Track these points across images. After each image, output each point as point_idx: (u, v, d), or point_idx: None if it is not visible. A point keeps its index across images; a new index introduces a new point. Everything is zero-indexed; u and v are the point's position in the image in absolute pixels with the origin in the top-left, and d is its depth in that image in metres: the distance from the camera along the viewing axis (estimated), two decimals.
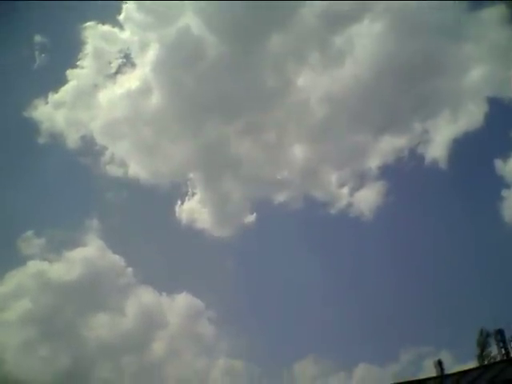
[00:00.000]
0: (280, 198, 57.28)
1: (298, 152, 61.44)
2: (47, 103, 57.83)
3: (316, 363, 46.30)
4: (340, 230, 58.39)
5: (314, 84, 59.86)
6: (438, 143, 55.19)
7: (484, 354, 30.24)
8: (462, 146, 53.96)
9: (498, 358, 29.89)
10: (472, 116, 53.60)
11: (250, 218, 56.84)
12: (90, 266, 49.61)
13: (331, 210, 56.13)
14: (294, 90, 58.78)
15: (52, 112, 57.85)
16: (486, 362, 30.41)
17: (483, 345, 30.29)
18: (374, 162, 57.47)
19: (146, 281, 51.93)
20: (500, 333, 29.72)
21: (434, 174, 55.73)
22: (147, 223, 60.20)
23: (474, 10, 57.61)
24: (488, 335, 30.44)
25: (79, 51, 59.88)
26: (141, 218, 60.27)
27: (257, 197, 59.40)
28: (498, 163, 51.49)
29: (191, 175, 59.98)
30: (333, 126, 59.10)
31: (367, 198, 56.37)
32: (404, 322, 44.18)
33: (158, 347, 47.98)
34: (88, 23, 58.90)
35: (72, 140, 57.38)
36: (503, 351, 29.53)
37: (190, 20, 54.78)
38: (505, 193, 50.66)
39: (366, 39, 58.16)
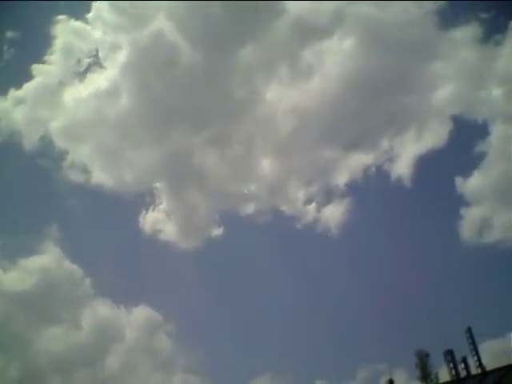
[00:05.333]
0: (247, 211, 57.32)
1: (266, 166, 61.77)
2: (7, 99, 55.85)
3: (273, 380, 45.77)
4: (306, 245, 58.31)
5: (283, 97, 60.18)
6: (404, 160, 56.42)
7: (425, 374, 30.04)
8: (426, 164, 55.28)
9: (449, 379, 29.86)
10: (437, 134, 54.93)
11: (217, 231, 56.37)
12: (45, 275, 47.94)
13: (298, 225, 56.48)
14: (262, 103, 58.93)
15: (11, 109, 55.82)
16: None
17: (423, 366, 30.08)
18: (341, 179, 58.23)
19: (103, 292, 50.75)
20: (450, 353, 29.67)
21: (398, 191, 56.90)
22: (109, 232, 59.14)
23: (446, 28, 58.40)
24: (426, 355, 30.30)
25: (48, 46, 58.40)
26: (102, 227, 59.14)
27: (224, 209, 59.18)
28: (459, 181, 53.00)
29: (157, 184, 59.04)
30: (301, 140, 59.26)
31: (334, 215, 57.21)
32: (362, 339, 43.99)
33: (113, 362, 46.81)
34: (60, 17, 57.70)
35: (30, 140, 55.23)
36: (453, 372, 29.52)
37: (163, 24, 53.53)
38: (463, 211, 52.07)
39: (336, 55, 58.93)
